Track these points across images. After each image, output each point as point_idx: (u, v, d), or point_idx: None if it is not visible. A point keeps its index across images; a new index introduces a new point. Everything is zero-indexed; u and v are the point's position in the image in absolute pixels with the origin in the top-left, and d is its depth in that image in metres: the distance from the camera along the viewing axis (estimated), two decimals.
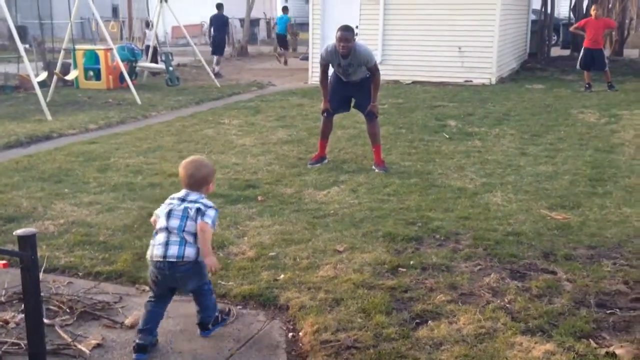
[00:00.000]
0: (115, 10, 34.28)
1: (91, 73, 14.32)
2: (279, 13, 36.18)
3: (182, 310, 3.67)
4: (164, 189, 5.97)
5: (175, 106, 11.47)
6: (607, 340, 3.18)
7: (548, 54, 18.53)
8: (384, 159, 6.95)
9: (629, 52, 20.61)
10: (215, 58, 17.51)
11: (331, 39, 16.28)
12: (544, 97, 11.85)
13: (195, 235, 3.17)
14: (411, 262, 4.24)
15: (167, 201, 3.30)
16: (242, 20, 26.10)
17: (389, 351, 3.14)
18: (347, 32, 6.59)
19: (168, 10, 14.73)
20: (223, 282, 4.00)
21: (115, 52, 13.01)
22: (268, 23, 32.68)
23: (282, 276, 4.07)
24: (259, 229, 4.96)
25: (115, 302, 3.74)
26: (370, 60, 6.68)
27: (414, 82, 14.17)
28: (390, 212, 5.32)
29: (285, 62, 20.21)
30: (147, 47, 16.96)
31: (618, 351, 3.01)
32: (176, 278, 3.19)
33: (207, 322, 3.39)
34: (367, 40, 14.78)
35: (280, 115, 10.27)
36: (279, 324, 3.57)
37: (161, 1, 15.22)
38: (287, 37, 22.38)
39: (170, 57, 15.03)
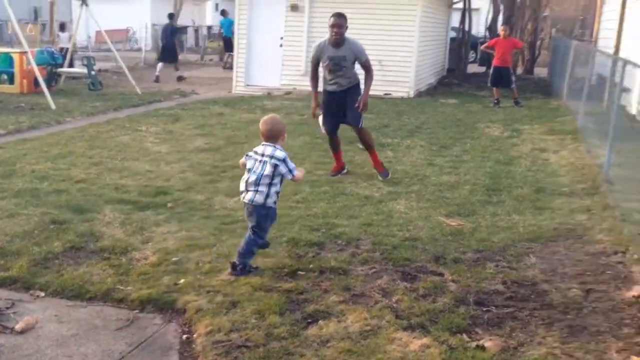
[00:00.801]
0: (36, 13, 33.16)
1: (5, 76, 13.83)
2: (208, 21, 36.04)
3: (75, 314, 3.68)
4: (70, 195, 5.90)
5: (92, 112, 11.27)
6: (480, 334, 3.44)
7: (465, 71, 19.34)
8: (382, 162, 7.09)
9: (540, 71, 21.78)
10: (158, 65, 17.77)
11: (256, 48, 16.31)
12: (456, 112, 12.39)
13: (268, 185, 4.18)
14: (310, 266, 4.40)
15: (251, 154, 4.26)
16: None
17: (277, 349, 3.28)
18: (339, 18, 6.54)
19: (90, 14, 14.49)
20: (121, 287, 4.03)
21: (30, 55, 12.64)
22: (196, 31, 32.45)
23: (182, 280, 4.14)
24: (165, 235, 5.01)
25: (7, 308, 3.71)
26: (362, 54, 6.70)
27: None
28: (297, 218, 5.47)
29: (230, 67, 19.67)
30: (62, 50, 16.59)
31: (487, 344, 3.26)
32: (250, 213, 4.26)
33: (241, 264, 4.21)
34: (292, 51, 15.06)
35: (199, 124, 10.30)
36: (175, 327, 3.65)
37: (82, 5, 14.93)
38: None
39: (93, 62, 14.76)
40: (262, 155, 4.20)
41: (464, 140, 9.28)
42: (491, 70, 13.80)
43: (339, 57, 6.69)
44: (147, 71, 19.25)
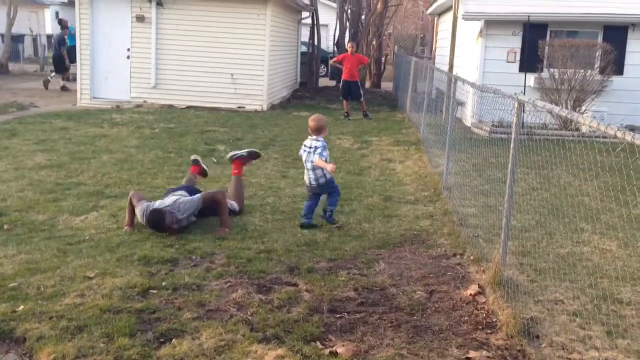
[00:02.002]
0: None
1: None
2: (48, 29, 33.79)
3: None
4: None
5: None
6: (333, 341, 3.54)
7: (316, 84, 19.89)
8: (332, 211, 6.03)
9: (386, 85, 22.99)
10: (58, 75, 17.86)
11: (101, 60, 15.53)
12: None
13: (321, 168, 5.73)
14: (163, 284, 4.28)
15: (304, 147, 5.85)
16: (2, 36, 23.89)
17: None
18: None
19: None
20: None
21: None
22: (35, 40, 30.28)
23: (22, 307, 3.84)
24: (1, 259, 4.65)
25: None
26: None
27: (188, 107, 14.24)
28: (149, 235, 5.30)
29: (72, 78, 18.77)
30: None
31: (339, 350, 3.37)
32: (316, 189, 5.86)
33: (329, 211, 5.81)
34: (141, 63, 14.57)
35: (40, 139, 9.63)
36: (14, 357, 3.38)
37: None
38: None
39: None
40: (310, 147, 5.77)
41: None
42: (341, 84, 14.34)
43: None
44: None
